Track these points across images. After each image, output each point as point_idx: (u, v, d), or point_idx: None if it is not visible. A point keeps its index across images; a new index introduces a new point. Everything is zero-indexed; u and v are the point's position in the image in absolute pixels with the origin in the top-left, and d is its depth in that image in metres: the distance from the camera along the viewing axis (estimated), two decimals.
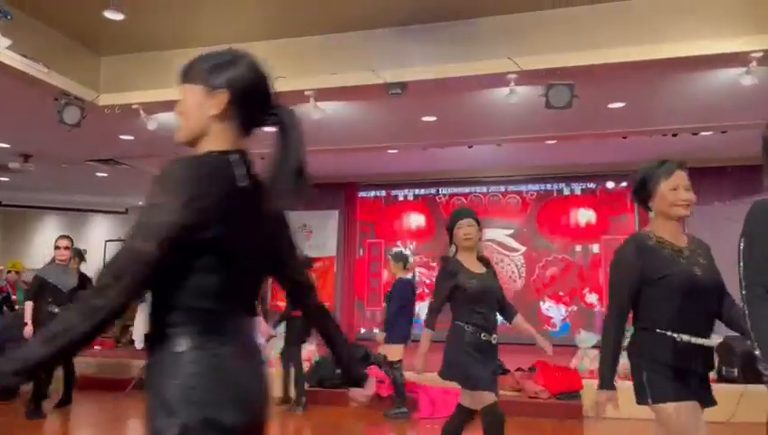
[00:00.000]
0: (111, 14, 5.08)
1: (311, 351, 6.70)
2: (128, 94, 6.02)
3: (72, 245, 5.84)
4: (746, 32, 4.67)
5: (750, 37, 4.64)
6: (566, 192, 9.99)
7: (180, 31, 5.63)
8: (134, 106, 6.00)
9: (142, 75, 6.00)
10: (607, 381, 2.39)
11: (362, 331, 10.55)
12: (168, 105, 6.11)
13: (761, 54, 4.63)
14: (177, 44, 5.84)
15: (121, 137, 7.33)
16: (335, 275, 10.39)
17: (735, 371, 5.76)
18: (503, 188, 10.25)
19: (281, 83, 5.87)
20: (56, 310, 5.40)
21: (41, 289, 5.57)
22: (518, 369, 6.44)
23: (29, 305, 5.56)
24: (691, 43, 4.76)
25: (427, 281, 10.38)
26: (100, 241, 12.35)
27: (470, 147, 8.10)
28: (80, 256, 6.30)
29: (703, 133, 7.14)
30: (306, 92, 5.54)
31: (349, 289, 10.57)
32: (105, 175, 9.73)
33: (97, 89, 6.11)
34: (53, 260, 5.72)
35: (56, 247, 5.71)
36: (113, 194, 11.43)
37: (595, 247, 9.77)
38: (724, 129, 6.94)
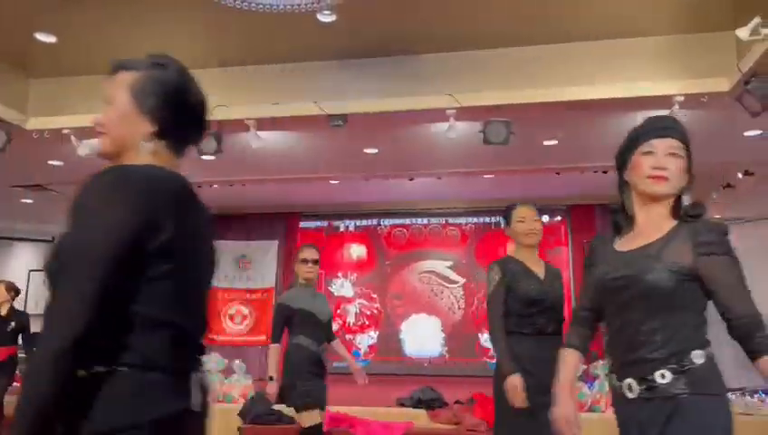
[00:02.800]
0: (43, 36, 4.91)
1: (246, 386, 6.50)
2: (58, 118, 5.78)
3: None
4: (670, 76, 4.97)
5: (673, 81, 4.94)
6: (503, 225, 10.20)
7: (116, 55, 5.48)
8: (64, 131, 5.76)
9: (74, 99, 5.79)
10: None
11: None
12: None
13: (682, 98, 4.92)
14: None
15: (50, 162, 7.02)
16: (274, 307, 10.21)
17: None
18: (443, 221, 10.39)
19: (221, 112, 5.84)
20: None
21: None
22: (456, 401, 6.44)
23: None
24: (620, 85, 5.02)
25: (368, 313, 10.33)
26: (23, 271, 11.69)
27: (411, 179, 8.20)
28: (14, 290, 6.15)
29: None
30: (247, 121, 5.48)
31: None
32: (31, 201, 9.27)
33: (25, 112, 5.85)
34: None
35: None
36: (39, 221, 10.88)
37: None
38: None
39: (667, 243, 1.75)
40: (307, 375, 3.75)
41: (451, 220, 10.35)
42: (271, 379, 3.89)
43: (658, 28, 4.97)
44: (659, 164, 1.77)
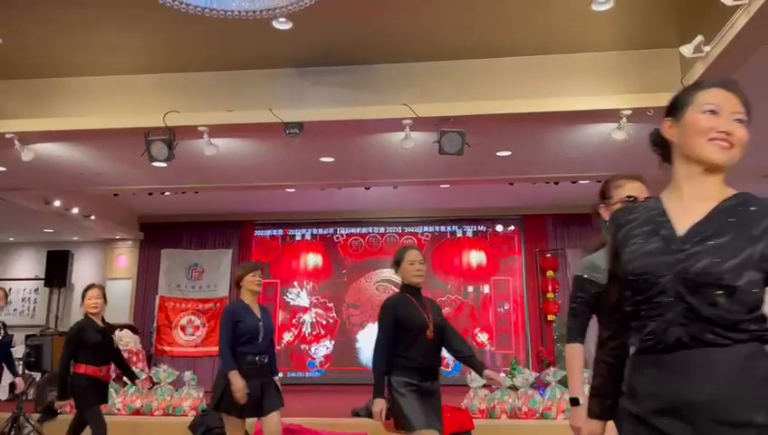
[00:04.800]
0: None
1: (197, 399, 6.35)
2: (1, 123, 5.57)
3: None
4: (618, 90, 5.13)
5: (620, 96, 5.10)
6: (459, 234, 10.33)
7: (64, 59, 5.33)
8: (8, 136, 5.55)
9: (18, 103, 5.59)
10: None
11: None
12: (47, 135, 5.72)
13: (629, 112, 5.08)
14: (59, 72, 5.52)
15: None
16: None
17: None
18: (399, 229, 10.43)
19: (173, 118, 5.73)
20: None
21: None
22: None
23: None
24: (571, 98, 5.15)
25: (324, 322, 10.25)
26: None
27: (367, 188, 8.21)
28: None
29: (581, 182, 7.69)
30: (200, 128, 5.39)
31: None
32: None
33: None
34: None
35: None
36: None
37: (486, 288, 10.12)
38: (599, 178, 7.51)
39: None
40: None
41: (408, 229, 10.40)
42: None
43: (607, 44, 5.13)
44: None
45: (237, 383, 3.72)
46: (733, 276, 1.31)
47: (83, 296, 4.65)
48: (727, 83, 1.53)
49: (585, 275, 2.37)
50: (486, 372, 3.41)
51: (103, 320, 4.69)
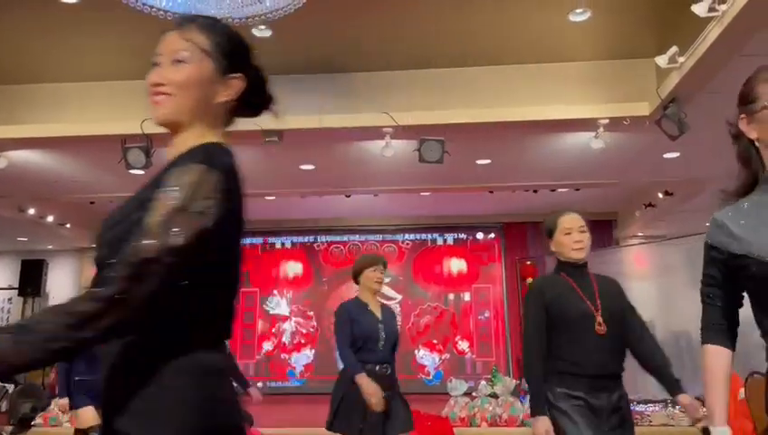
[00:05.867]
0: None
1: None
2: None
3: None
4: (595, 100, 5.19)
5: (598, 105, 5.16)
6: (439, 242, 10.35)
7: (38, 64, 5.25)
8: None
9: None
10: None
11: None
12: (21, 142, 5.62)
13: (607, 121, 5.15)
14: (33, 79, 5.43)
15: None
16: None
17: None
18: (380, 237, 10.41)
19: (151, 125, 5.60)
20: None
21: None
22: None
23: None
24: (549, 107, 5.20)
25: (304, 331, 10.18)
26: None
27: (348, 196, 8.19)
28: None
29: (560, 190, 7.76)
30: None
31: None
32: None
33: None
34: None
35: None
36: None
37: (467, 296, 10.14)
38: (577, 186, 7.60)
39: None
40: None
41: (388, 237, 10.40)
42: None
43: (585, 54, 5.19)
44: None
45: (369, 387, 3.12)
46: None
47: None
48: None
49: (709, 241, 1.59)
50: (682, 398, 2.41)
51: None
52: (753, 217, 1.48)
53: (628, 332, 2.51)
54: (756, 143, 1.52)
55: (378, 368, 3.27)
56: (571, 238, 2.53)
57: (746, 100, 1.52)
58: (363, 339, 3.31)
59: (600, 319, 2.41)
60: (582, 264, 2.56)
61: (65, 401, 4.12)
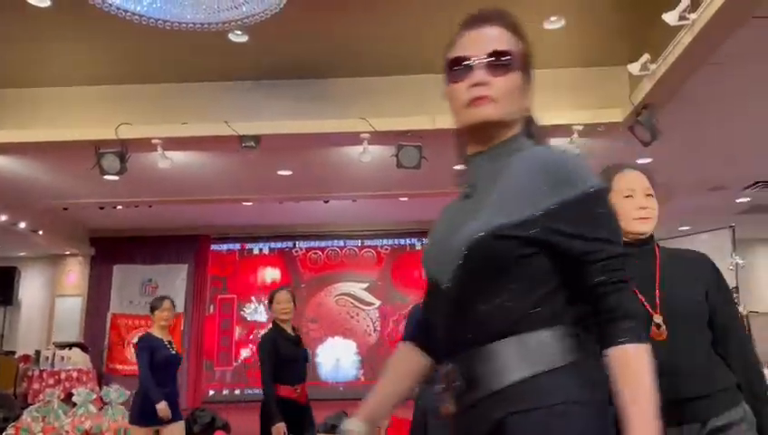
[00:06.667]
0: None
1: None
2: None
3: None
4: (569, 106, 5.26)
5: (572, 111, 5.22)
6: (418, 247, 10.37)
7: (7, 69, 5.16)
8: None
9: None
10: None
11: (210, 393, 9.96)
12: (6, 148, 5.52)
13: (581, 127, 5.22)
14: (4, 83, 5.34)
15: None
16: (182, 334, 9.76)
17: None
18: (359, 243, 10.41)
19: (126, 130, 5.58)
20: None
21: None
22: None
23: None
24: None
25: None
26: None
27: (326, 202, 8.17)
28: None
29: None
30: (153, 141, 5.28)
31: (197, 348, 9.98)
32: None
33: None
34: None
35: None
36: None
37: None
38: None
39: None
40: None
41: (367, 242, 10.39)
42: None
43: (559, 61, 5.26)
44: None
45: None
46: None
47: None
48: None
49: None
50: None
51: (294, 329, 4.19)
52: None
53: (706, 333, 1.66)
54: None
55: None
56: (634, 204, 1.73)
57: None
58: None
59: (657, 319, 1.62)
60: (646, 239, 1.74)
61: (163, 404, 4.05)
